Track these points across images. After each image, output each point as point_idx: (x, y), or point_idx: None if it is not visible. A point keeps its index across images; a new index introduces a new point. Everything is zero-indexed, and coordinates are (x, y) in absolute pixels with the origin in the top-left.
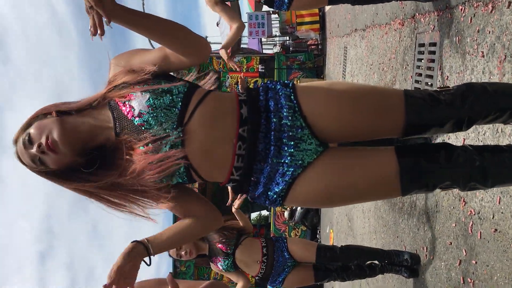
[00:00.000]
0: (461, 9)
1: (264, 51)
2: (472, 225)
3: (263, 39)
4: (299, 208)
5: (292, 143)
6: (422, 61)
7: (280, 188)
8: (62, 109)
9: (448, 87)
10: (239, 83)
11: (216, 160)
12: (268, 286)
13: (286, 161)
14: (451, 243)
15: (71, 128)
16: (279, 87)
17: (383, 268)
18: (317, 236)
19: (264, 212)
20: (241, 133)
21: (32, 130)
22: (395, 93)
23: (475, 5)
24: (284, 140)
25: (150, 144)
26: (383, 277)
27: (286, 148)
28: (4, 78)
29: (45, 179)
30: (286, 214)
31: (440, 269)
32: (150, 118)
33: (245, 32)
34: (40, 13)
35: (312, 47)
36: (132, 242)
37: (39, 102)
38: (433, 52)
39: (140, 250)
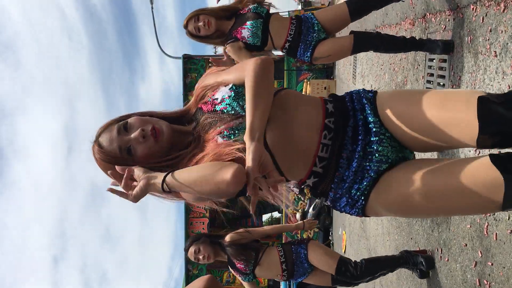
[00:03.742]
0: (473, 9)
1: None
2: (487, 227)
3: None
4: (311, 209)
5: (377, 138)
6: (434, 61)
7: (365, 184)
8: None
9: None
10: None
11: (298, 146)
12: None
13: (374, 157)
14: (466, 245)
15: (171, 128)
16: (361, 91)
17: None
18: (329, 237)
19: (276, 214)
20: (327, 123)
21: (131, 120)
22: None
23: (487, 5)
24: (372, 134)
25: (230, 122)
26: (397, 279)
27: (373, 144)
28: (16, 83)
29: (117, 165)
30: (298, 216)
31: (456, 271)
32: (231, 101)
33: None
34: (50, 18)
35: None
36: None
37: (50, 107)
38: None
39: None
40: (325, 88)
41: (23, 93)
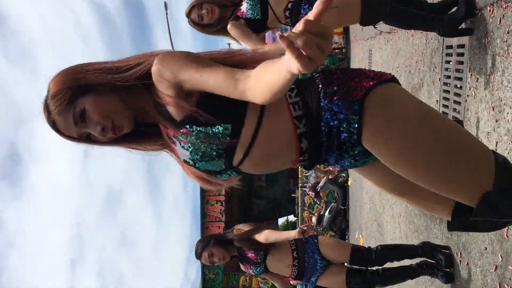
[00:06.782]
0: (490, 10)
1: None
2: (507, 230)
3: None
4: (327, 213)
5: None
6: (451, 63)
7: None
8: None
9: None
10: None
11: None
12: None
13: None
14: (486, 249)
15: (131, 109)
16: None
17: (418, 270)
18: (346, 241)
19: (292, 218)
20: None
21: (88, 106)
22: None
23: (504, 6)
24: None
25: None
26: (416, 283)
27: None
28: (33, 87)
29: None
30: (314, 219)
31: (476, 275)
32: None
33: (269, 37)
34: (66, 24)
35: (336, 51)
36: None
37: None
38: (462, 54)
39: None
40: None
41: (39, 98)
